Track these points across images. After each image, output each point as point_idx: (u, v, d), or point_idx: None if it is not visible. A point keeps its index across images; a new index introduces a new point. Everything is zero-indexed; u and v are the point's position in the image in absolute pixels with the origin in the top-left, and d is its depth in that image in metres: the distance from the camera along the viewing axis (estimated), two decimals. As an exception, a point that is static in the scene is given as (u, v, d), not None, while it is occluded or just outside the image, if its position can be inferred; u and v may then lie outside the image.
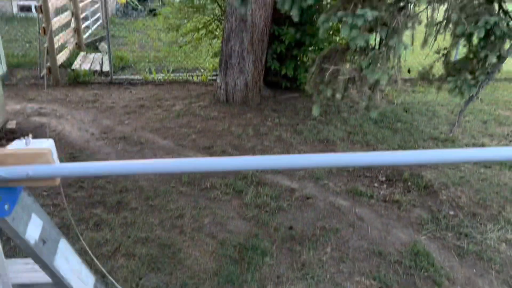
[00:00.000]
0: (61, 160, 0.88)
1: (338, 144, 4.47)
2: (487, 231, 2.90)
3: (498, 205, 3.23)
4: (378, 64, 2.62)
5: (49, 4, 5.96)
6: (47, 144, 0.82)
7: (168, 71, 6.83)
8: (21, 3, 10.76)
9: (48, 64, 6.12)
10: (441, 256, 2.68)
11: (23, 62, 7.11)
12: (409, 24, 2.61)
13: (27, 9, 10.76)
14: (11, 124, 4.63)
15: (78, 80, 6.31)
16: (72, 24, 7.62)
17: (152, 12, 12.10)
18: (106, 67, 6.82)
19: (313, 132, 4.74)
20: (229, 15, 5.17)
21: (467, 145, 4.60)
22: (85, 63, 7.05)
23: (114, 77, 6.49)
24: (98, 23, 10.11)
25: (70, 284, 0.91)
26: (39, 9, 5.72)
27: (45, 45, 6.06)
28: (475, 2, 2.47)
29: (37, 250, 0.83)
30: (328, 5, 2.99)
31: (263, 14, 5.07)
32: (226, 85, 5.47)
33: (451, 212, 3.14)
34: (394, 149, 4.40)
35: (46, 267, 0.87)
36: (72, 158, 3.93)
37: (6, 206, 0.76)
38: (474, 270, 2.55)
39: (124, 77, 6.62)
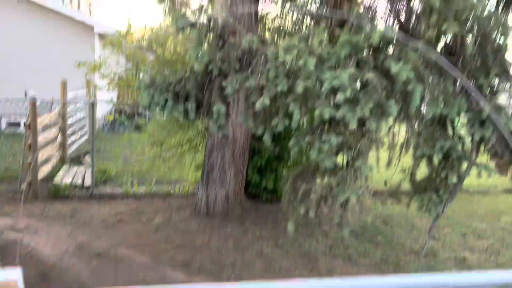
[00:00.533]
0: (30, 279, 0.86)
1: (320, 258, 4.41)
2: None
3: None
4: (347, 184, 2.74)
5: (38, 121, 6.21)
6: (14, 275, 0.82)
7: (150, 184, 6.89)
8: (11, 120, 11.14)
9: (30, 178, 6.14)
10: None
11: (4, 175, 7.11)
12: (373, 147, 2.81)
13: (16, 125, 11.10)
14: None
15: (58, 195, 6.28)
16: (59, 139, 7.84)
17: (139, 128, 12.60)
18: (88, 181, 6.86)
19: (295, 246, 4.69)
20: (210, 136, 5.44)
21: (449, 259, 4.59)
22: (67, 176, 7.09)
23: (95, 191, 6.50)
24: (85, 137, 10.42)
25: None
26: (27, 126, 5.94)
27: (29, 160, 6.15)
28: (430, 128, 2.72)
29: None
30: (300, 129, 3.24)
31: (243, 130, 5.36)
32: (207, 197, 5.52)
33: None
34: (376, 264, 4.34)
35: None
36: (43, 275, 3.74)
37: None
38: None
39: (105, 191, 6.63)
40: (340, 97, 2.35)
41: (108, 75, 6.51)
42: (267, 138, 2.75)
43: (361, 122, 2.46)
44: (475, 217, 6.23)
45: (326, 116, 2.40)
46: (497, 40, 2.67)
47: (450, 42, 2.87)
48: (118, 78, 6.53)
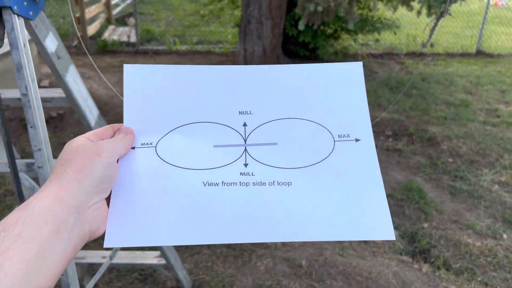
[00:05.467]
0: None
1: (350, 104, 4.60)
2: (482, 174, 3.00)
3: (497, 153, 3.30)
4: None
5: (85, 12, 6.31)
6: None
7: (191, 43, 7.09)
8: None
9: (80, 33, 6.49)
10: (434, 193, 2.80)
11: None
12: None
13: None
14: (45, 83, 5.01)
15: (106, 49, 6.67)
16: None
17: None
18: (133, 39, 7.15)
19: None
20: (247, -18, 5.34)
21: (480, 110, 4.63)
22: (113, 35, 7.40)
23: (140, 47, 6.82)
24: (128, 1, 10.48)
25: (78, 102, 1.14)
26: (77, 19, 6.08)
27: (77, 15, 6.43)
28: None
29: (53, 60, 1.07)
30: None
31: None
32: (244, 51, 5.66)
33: (450, 159, 3.25)
34: (405, 110, 4.49)
35: (60, 79, 1.11)
36: (98, 109, 4.24)
37: (30, 12, 1.01)
38: (464, 205, 2.67)
39: (150, 47, 6.93)
40: None
41: None
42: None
43: None
44: (521, 77, 6.03)
45: None
46: None
47: None
48: None
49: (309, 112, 0.59)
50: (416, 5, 3.49)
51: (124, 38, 7.18)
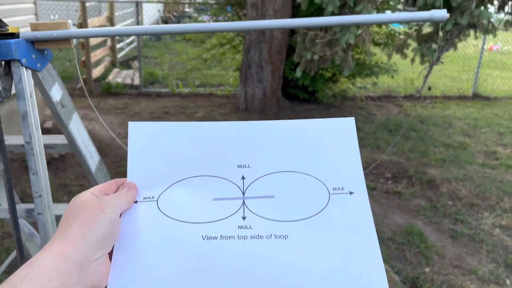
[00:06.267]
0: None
1: (349, 146, 4.64)
2: (482, 218, 2.98)
3: (497, 196, 3.30)
4: (349, 28, 2.81)
5: (88, 22, 6.56)
6: (67, 21, 1.10)
7: (194, 85, 7.26)
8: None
9: (84, 76, 6.66)
10: (435, 237, 2.78)
11: (62, 77, 7.74)
12: None
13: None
14: (48, 124, 5.09)
15: (110, 91, 6.82)
16: (108, 43, 8.25)
17: (184, 38, 12.80)
18: (136, 81, 7.33)
19: (326, 136, 4.93)
20: (249, 28, 5.54)
21: (479, 152, 4.66)
22: (118, 77, 7.59)
23: (143, 89, 6.97)
24: (133, 45, 10.82)
25: (80, 148, 1.17)
26: (78, 25, 6.31)
27: (82, 58, 6.63)
28: None
29: (57, 108, 1.11)
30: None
31: (280, 27, 5.40)
32: (245, 94, 5.78)
33: (450, 202, 3.24)
34: (404, 153, 4.52)
35: (64, 126, 1.14)
36: (99, 150, 4.28)
37: (38, 64, 1.06)
38: (465, 249, 2.64)
39: (153, 90, 7.09)
40: None
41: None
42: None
43: None
44: (518, 120, 6.11)
45: None
46: None
47: None
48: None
49: (305, 166, 0.61)
50: (409, 53, 3.61)
51: (128, 81, 7.35)
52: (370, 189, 3.52)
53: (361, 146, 4.70)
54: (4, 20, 1.15)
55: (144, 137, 0.64)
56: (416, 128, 5.45)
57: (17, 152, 1.30)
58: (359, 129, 5.29)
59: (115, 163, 4.01)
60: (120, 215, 0.55)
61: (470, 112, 6.43)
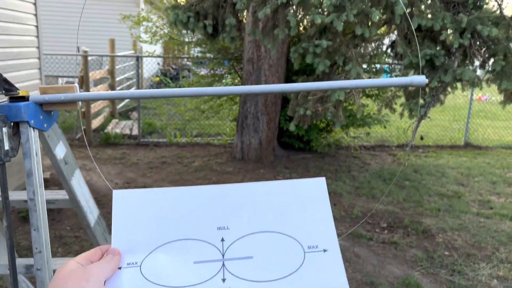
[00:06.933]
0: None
1: (345, 196, 4.67)
2: (479, 268, 2.97)
3: (492, 247, 3.30)
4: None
5: (90, 75, 6.79)
6: (74, 85, 1.19)
7: (191, 135, 7.38)
8: (65, 79, 12.02)
9: (84, 127, 6.79)
10: (432, 288, 2.76)
11: (62, 127, 7.87)
12: (361, 52, 3.01)
13: (71, 83, 11.99)
14: (45, 174, 5.13)
15: (109, 142, 6.91)
16: (109, 94, 8.47)
17: (181, 88, 13.14)
18: (135, 132, 7.46)
19: (322, 186, 4.98)
20: (245, 81, 5.75)
21: (473, 202, 4.70)
22: (116, 128, 7.73)
23: (141, 139, 7.08)
24: (133, 96, 11.08)
25: (80, 203, 1.22)
26: (80, 78, 6.52)
27: (83, 109, 6.78)
28: (418, 38, 2.88)
29: (61, 165, 1.17)
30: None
31: (275, 80, 5.61)
32: (242, 143, 5.89)
33: (446, 253, 3.24)
34: (399, 202, 4.55)
35: (65, 182, 1.20)
36: (96, 201, 4.30)
37: (45, 125, 1.13)
38: (463, 301, 2.62)
39: (151, 140, 7.20)
40: (326, 3, 2.58)
41: (151, 29, 6.92)
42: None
43: (350, 32, 2.67)
44: (511, 168, 6.20)
45: (318, 21, 2.63)
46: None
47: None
48: (160, 30, 6.93)
49: (281, 226, 0.66)
50: (398, 108, 3.75)
51: (127, 131, 7.48)
52: (367, 239, 3.52)
53: (357, 195, 4.74)
54: (9, 74, 1.25)
55: (128, 205, 0.69)
56: (410, 178, 5.51)
57: (19, 207, 1.35)
58: (354, 179, 5.35)
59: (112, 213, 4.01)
60: (105, 282, 0.59)
61: (462, 161, 6.53)
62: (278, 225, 0.66)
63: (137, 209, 0.67)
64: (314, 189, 0.70)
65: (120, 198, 0.70)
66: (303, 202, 0.69)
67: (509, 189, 5.20)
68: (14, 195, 1.33)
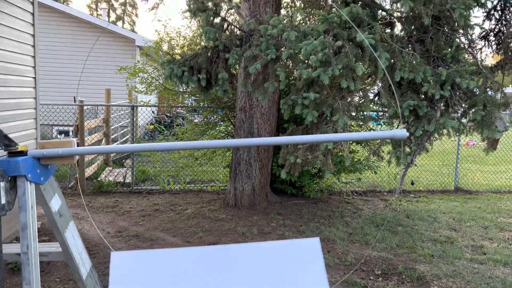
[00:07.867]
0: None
1: (338, 242, 4.66)
2: (474, 316, 2.94)
3: (486, 293, 3.28)
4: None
5: (85, 124, 6.89)
6: (71, 140, 1.25)
7: (184, 182, 7.40)
8: (60, 128, 12.15)
9: (77, 175, 6.80)
10: (427, 338, 2.71)
11: (56, 175, 7.86)
12: (348, 102, 3.15)
13: (66, 133, 12.09)
14: (37, 224, 5.09)
15: (102, 190, 6.90)
16: (103, 143, 8.55)
17: (176, 136, 13.29)
18: (128, 179, 7.47)
19: (315, 232, 4.97)
20: (238, 129, 5.87)
21: (466, 247, 4.70)
22: (110, 176, 7.74)
23: (135, 187, 7.08)
24: (127, 143, 11.17)
25: (73, 256, 1.24)
26: (75, 126, 6.62)
27: (76, 158, 6.83)
28: (401, 89, 3.04)
29: (55, 218, 1.21)
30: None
31: (267, 127, 5.75)
32: (235, 190, 5.91)
33: (440, 300, 3.21)
34: (392, 248, 4.54)
35: (59, 234, 1.23)
36: (87, 251, 4.24)
37: (42, 178, 1.18)
38: None
39: (144, 187, 7.20)
40: (312, 58, 2.73)
41: (147, 79, 7.13)
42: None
43: (336, 84, 2.82)
44: (502, 213, 6.24)
45: (305, 76, 2.77)
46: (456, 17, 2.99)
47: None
48: (155, 81, 7.13)
49: (276, 285, 0.71)
50: (385, 155, 3.86)
51: (120, 179, 7.48)
52: (361, 287, 3.48)
53: (350, 241, 4.73)
54: (6, 124, 1.32)
55: (125, 267, 0.73)
56: (403, 223, 5.52)
57: (11, 261, 1.37)
58: (347, 224, 5.35)
59: (103, 264, 3.95)
60: None
61: (454, 205, 6.57)
62: (273, 284, 0.70)
63: (135, 272, 0.71)
64: (308, 251, 0.75)
65: (118, 260, 0.74)
66: (297, 262, 0.73)
67: (501, 234, 5.21)
68: (6, 248, 1.36)
